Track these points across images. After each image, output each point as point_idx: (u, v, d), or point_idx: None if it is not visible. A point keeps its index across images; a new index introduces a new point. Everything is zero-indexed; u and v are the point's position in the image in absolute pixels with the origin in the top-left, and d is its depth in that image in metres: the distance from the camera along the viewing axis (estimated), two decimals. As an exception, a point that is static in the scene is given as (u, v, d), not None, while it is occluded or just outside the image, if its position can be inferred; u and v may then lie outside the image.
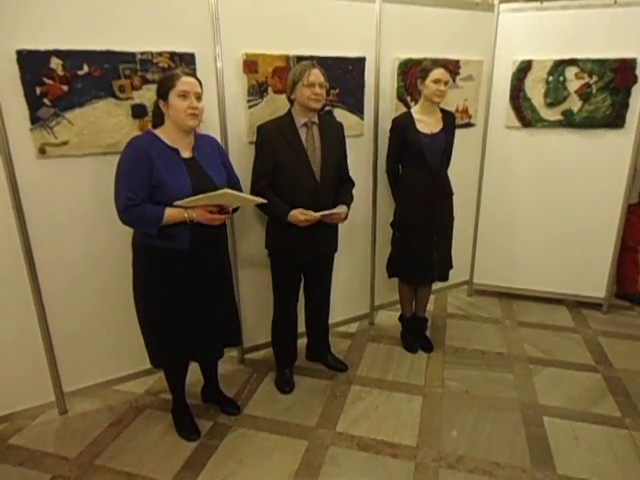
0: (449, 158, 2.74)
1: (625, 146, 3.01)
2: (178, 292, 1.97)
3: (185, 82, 1.84)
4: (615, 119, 2.97)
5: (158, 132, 1.91)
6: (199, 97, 1.89)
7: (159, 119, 1.93)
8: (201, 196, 1.82)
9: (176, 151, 1.90)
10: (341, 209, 2.31)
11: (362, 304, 3.22)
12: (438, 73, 2.44)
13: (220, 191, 1.85)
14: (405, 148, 2.59)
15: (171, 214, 1.84)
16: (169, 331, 2.00)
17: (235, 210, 2.12)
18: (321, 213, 2.22)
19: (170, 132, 1.90)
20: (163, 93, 1.86)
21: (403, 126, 2.57)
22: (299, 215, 2.20)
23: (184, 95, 1.84)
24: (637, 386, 2.56)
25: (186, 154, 1.93)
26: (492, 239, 3.45)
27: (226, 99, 2.36)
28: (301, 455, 2.10)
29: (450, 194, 2.70)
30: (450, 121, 2.64)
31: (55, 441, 2.19)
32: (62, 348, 2.29)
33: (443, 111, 2.63)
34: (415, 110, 2.61)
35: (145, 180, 1.81)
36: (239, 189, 2.13)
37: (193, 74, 1.93)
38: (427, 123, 2.56)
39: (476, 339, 3.04)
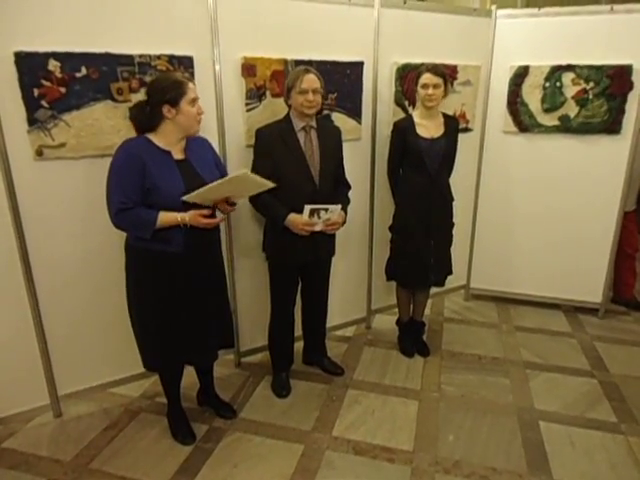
0: (451, 164, 2.74)
1: (621, 152, 3.02)
2: (171, 295, 1.96)
3: (193, 89, 1.88)
4: (612, 125, 2.98)
5: (150, 135, 1.89)
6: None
7: (151, 123, 1.88)
8: (216, 182, 1.81)
9: (168, 153, 1.89)
10: (337, 210, 2.27)
11: (359, 308, 3.22)
12: (425, 78, 2.45)
13: (240, 172, 1.84)
14: (405, 152, 2.60)
15: (164, 218, 1.83)
16: (162, 334, 2.00)
17: (232, 204, 2.09)
18: (315, 207, 2.20)
19: (167, 136, 1.89)
20: (172, 99, 1.83)
21: (403, 129, 2.58)
22: (300, 226, 2.20)
23: (194, 102, 1.87)
24: (633, 391, 2.56)
25: (178, 156, 1.93)
26: (489, 244, 3.45)
27: (224, 102, 2.36)
28: (297, 459, 2.09)
29: (450, 200, 2.70)
30: (452, 127, 2.64)
31: (49, 444, 2.17)
32: (57, 351, 2.28)
33: (446, 116, 2.64)
34: (416, 114, 2.62)
35: (138, 183, 1.81)
36: None
37: (192, 79, 1.94)
38: (427, 127, 2.57)
39: (473, 344, 3.04)
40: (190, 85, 1.87)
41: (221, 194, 1.91)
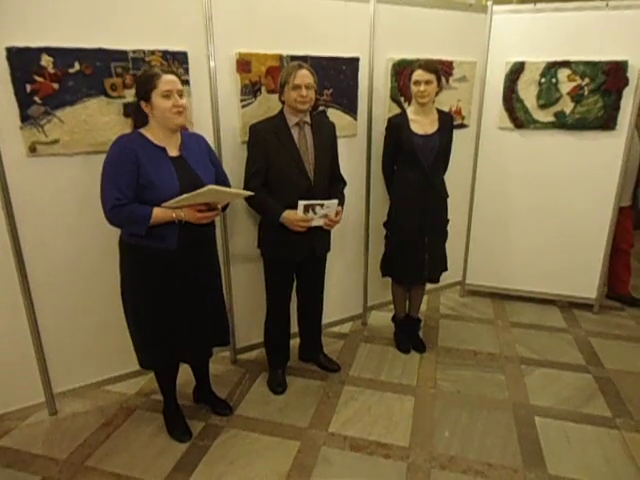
0: (446, 160, 2.73)
1: (617, 148, 3.03)
2: (166, 292, 1.95)
3: (166, 81, 1.81)
4: (607, 121, 2.99)
5: (144, 131, 1.88)
6: (181, 94, 1.86)
7: (142, 119, 1.89)
8: (186, 195, 1.80)
9: (163, 150, 1.88)
10: (334, 205, 2.25)
11: (355, 304, 3.22)
12: (416, 75, 2.45)
13: (205, 188, 1.81)
14: (399, 148, 2.60)
15: (159, 214, 1.82)
16: (157, 332, 1.99)
17: (225, 208, 2.12)
18: (310, 203, 2.19)
19: (156, 131, 1.88)
20: (144, 94, 1.82)
21: (397, 126, 2.57)
22: (296, 222, 2.19)
23: (167, 95, 1.81)
24: (627, 386, 2.58)
25: (173, 153, 1.91)
26: (485, 240, 3.46)
27: (219, 98, 2.34)
28: (293, 456, 2.09)
29: (444, 196, 2.70)
30: (447, 123, 2.63)
31: (45, 442, 2.17)
32: (52, 348, 2.27)
33: (440, 112, 2.63)
34: (410, 110, 2.61)
35: (132, 179, 1.79)
36: (227, 186, 2.13)
37: (172, 71, 1.90)
38: (422, 124, 2.56)
39: (468, 340, 3.05)
40: (164, 78, 1.80)
41: (198, 201, 1.88)
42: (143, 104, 1.84)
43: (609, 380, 2.63)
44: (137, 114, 1.89)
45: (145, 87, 1.82)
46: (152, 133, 1.88)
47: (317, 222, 2.25)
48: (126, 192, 1.79)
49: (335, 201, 2.25)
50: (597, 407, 2.41)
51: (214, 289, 2.14)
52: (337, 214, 2.30)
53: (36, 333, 2.21)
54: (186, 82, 2.17)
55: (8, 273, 2.10)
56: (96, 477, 1.98)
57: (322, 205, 2.21)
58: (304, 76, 2.14)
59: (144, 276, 1.93)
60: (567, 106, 3.04)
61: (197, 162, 1.96)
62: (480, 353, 2.90)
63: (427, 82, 2.43)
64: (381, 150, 2.77)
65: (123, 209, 1.79)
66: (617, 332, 3.15)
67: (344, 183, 2.51)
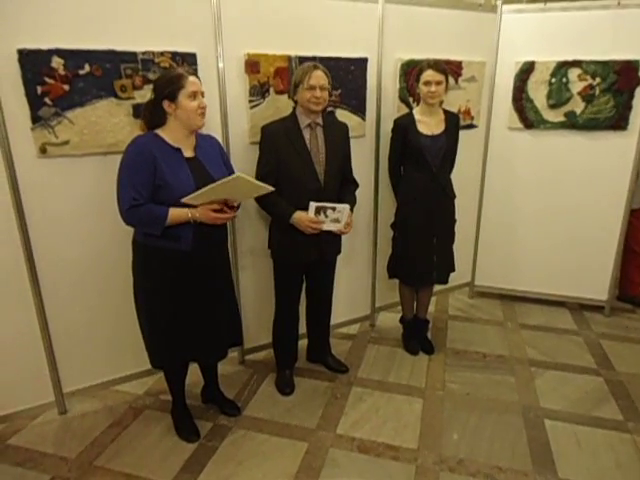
0: (452, 161, 2.72)
1: (628, 148, 3.00)
2: (179, 292, 1.96)
3: (193, 82, 1.85)
4: (618, 121, 2.96)
5: (160, 132, 1.89)
6: (203, 95, 1.90)
7: (158, 120, 1.89)
8: (210, 186, 1.79)
9: (179, 151, 1.89)
10: (346, 210, 2.25)
11: (363, 305, 3.21)
12: (427, 75, 2.43)
13: (234, 175, 1.82)
14: (406, 149, 2.58)
15: (175, 214, 1.83)
16: (170, 332, 1.99)
17: (237, 207, 2.11)
18: (321, 205, 2.19)
19: (174, 132, 1.89)
20: (170, 94, 1.83)
21: (404, 127, 2.56)
22: (307, 223, 2.19)
23: (194, 96, 1.84)
24: (639, 389, 2.54)
25: (188, 153, 1.92)
26: (494, 241, 3.44)
27: (228, 99, 2.35)
28: (301, 457, 2.09)
29: (452, 197, 2.68)
30: (453, 123, 2.62)
31: (54, 441, 2.18)
32: (62, 348, 2.28)
33: (447, 112, 2.62)
34: (417, 111, 2.60)
35: (149, 180, 1.81)
36: None
37: (194, 73, 1.93)
38: (428, 124, 2.55)
39: (477, 341, 3.03)
40: (190, 79, 1.84)
41: (219, 196, 1.89)
42: (166, 104, 1.84)
43: (620, 383, 2.60)
44: (153, 115, 1.90)
45: (171, 87, 1.83)
46: (168, 134, 1.89)
47: (328, 226, 2.24)
48: (143, 192, 1.80)
49: (347, 206, 2.24)
50: (608, 410, 2.38)
51: (227, 289, 2.14)
52: (347, 225, 2.29)
53: (46, 333, 2.22)
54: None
55: (19, 273, 2.11)
56: (105, 476, 1.99)
57: (334, 208, 2.21)
58: (319, 77, 2.14)
59: (157, 276, 1.94)
60: (578, 106, 3.01)
61: (211, 163, 1.97)
62: (489, 355, 2.88)
63: (438, 83, 2.42)
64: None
65: (140, 209, 1.80)
66: (628, 335, 3.12)
67: (356, 185, 2.50)
